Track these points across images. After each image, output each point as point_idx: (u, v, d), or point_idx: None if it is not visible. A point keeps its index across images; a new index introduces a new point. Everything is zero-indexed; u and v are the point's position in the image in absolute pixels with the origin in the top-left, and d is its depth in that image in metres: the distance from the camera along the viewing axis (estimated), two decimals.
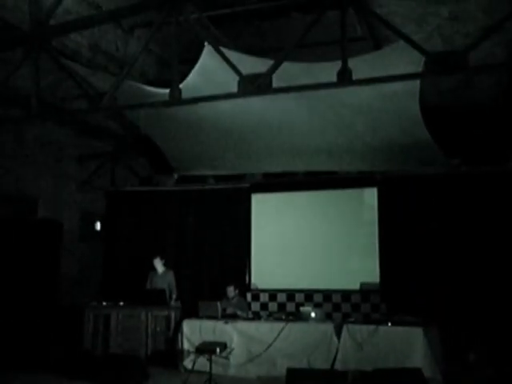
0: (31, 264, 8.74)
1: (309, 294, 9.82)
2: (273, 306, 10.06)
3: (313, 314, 8.02)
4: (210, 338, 7.90)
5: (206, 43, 5.31)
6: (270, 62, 4.58)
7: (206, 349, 6.97)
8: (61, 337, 8.74)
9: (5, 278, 8.56)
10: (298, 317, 8.18)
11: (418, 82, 5.70)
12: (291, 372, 6.63)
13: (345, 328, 7.51)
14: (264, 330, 7.92)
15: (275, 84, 4.52)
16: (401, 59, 4.91)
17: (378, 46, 6.57)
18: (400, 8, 5.92)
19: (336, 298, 9.66)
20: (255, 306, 10.11)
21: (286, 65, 4.57)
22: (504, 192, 8.53)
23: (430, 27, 6.24)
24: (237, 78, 4.57)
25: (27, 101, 5.44)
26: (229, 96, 4.81)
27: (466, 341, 7.74)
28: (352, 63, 4.31)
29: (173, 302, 9.06)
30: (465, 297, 8.42)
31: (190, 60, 5.76)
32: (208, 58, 5.42)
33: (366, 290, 9.50)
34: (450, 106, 8.46)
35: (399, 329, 7.23)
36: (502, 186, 8.57)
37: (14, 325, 8.37)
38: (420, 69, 4.53)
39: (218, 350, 6.89)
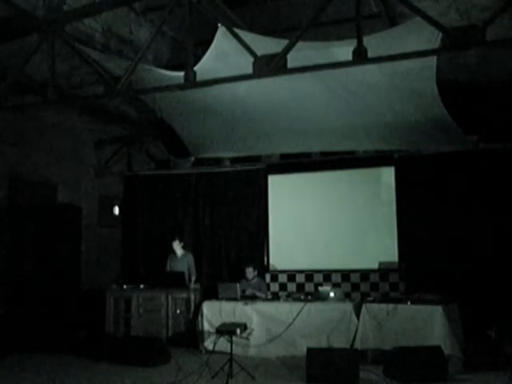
0: (53, 248, 8.86)
1: (327, 274, 9.85)
2: (291, 287, 10.11)
3: (332, 294, 8.05)
4: (229, 319, 7.97)
5: (219, 25, 5.28)
6: (284, 43, 4.54)
7: (226, 330, 7.04)
8: (83, 319, 8.88)
9: (29, 262, 8.72)
10: (317, 297, 8.22)
11: (434, 59, 5.62)
12: (311, 351, 6.68)
13: (364, 307, 7.53)
14: (283, 310, 7.97)
15: (290, 64, 4.49)
16: (417, 36, 4.84)
17: (393, 22, 6.48)
18: None
19: (355, 278, 9.68)
20: (274, 287, 10.17)
21: (300, 45, 4.54)
22: None
23: (446, 2, 6.12)
24: (251, 60, 4.55)
25: (43, 87, 5.47)
26: (244, 77, 4.80)
27: (486, 318, 7.72)
28: (367, 41, 4.27)
29: (192, 284, 9.15)
30: (484, 274, 8.39)
31: (204, 42, 5.73)
32: (222, 39, 5.39)
33: (384, 269, 9.51)
34: (467, 82, 8.34)
35: (418, 307, 7.23)
36: None
37: (39, 307, 8.52)
38: (437, 45, 4.46)
39: (238, 330, 6.95)
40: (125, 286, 9.23)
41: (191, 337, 8.49)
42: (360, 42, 4.26)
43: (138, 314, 8.97)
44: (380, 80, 6.20)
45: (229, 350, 6.95)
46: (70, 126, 9.87)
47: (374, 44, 4.48)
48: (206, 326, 8.24)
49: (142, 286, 9.21)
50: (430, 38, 4.62)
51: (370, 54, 4.26)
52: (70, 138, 10.04)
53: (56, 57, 5.39)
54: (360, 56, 4.27)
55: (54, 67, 5.39)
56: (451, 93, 6.75)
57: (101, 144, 10.73)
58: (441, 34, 4.13)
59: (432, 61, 5.66)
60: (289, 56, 4.46)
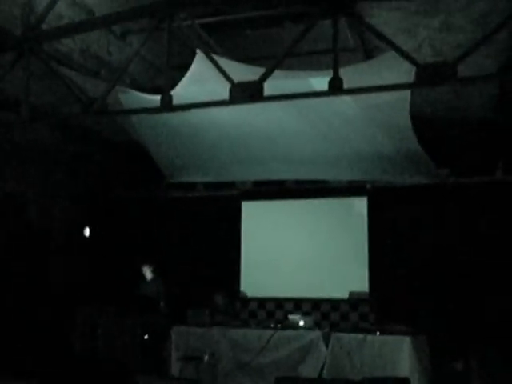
0: (19, 268, 8.68)
1: (298, 303, 9.82)
2: (261, 314, 10.05)
3: (301, 323, 8.02)
4: (198, 345, 7.88)
5: (197, 50, 5.32)
6: (261, 70, 4.59)
7: (193, 356, 6.94)
8: (49, 343, 8.68)
9: None
10: (287, 325, 8.17)
11: (408, 92, 5.74)
12: (279, 381, 6.60)
13: (333, 337, 7.51)
14: (252, 337, 7.91)
15: (266, 92, 4.53)
16: (391, 69, 4.94)
17: (369, 55, 6.61)
18: (391, 19, 5.95)
19: (325, 307, 9.67)
20: (244, 314, 10.09)
21: (277, 73, 4.59)
22: (491, 202, 8.61)
23: (420, 38, 6.27)
24: (228, 86, 4.58)
25: (18, 105, 5.42)
26: (220, 103, 4.81)
27: (454, 350, 7.76)
28: (343, 72, 4.33)
29: (161, 309, 9.03)
30: (453, 306, 8.45)
31: (181, 67, 5.76)
32: (200, 64, 5.42)
33: (354, 299, 9.52)
34: (439, 116, 8.52)
35: (387, 338, 7.24)
36: (490, 196, 8.64)
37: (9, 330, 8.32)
38: (411, 79, 4.55)
39: (205, 357, 6.88)
40: (93, 309, 9.06)
41: (159, 363, 8.36)
42: (336, 73, 4.31)
43: (105, 337, 8.79)
44: (355, 111, 6.29)
45: (196, 377, 6.84)
46: (43, 144, 9.76)
47: (350, 75, 4.55)
48: (174, 352, 8.12)
49: (110, 310, 9.05)
50: (404, 72, 4.71)
51: (345, 86, 4.32)
52: (42, 155, 9.91)
53: (31, 75, 5.36)
54: (336, 87, 4.31)
55: (28, 85, 5.34)
56: (424, 126, 6.87)
57: (74, 163, 10.62)
58: (414, 69, 4.20)
59: (406, 94, 5.77)
60: (265, 84, 4.50)
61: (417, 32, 6.17)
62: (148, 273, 9.47)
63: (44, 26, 5.27)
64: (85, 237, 10.93)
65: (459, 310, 8.40)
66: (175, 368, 7.98)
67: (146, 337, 8.69)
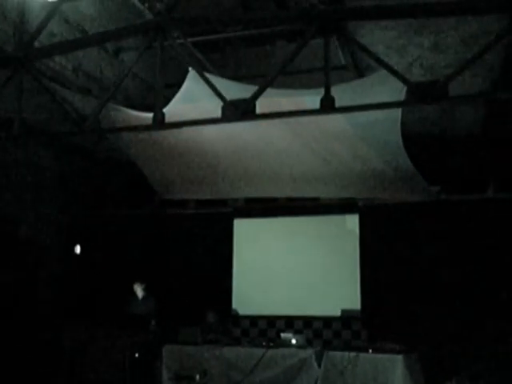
0: (8, 285, 8.60)
1: (289, 321, 9.78)
2: (253, 332, 9.99)
3: (293, 341, 7.96)
4: (189, 364, 7.80)
5: (190, 68, 5.34)
6: (254, 88, 4.61)
7: (185, 375, 6.88)
8: (38, 360, 8.57)
9: None
10: (279, 343, 8.12)
11: (399, 111, 5.78)
12: None
13: (325, 355, 7.47)
14: (244, 356, 7.84)
15: (258, 110, 4.55)
16: (383, 88, 4.97)
17: (360, 74, 6.67)
18: (382, 38, 6.02)
19: (317, 325, 9.62)
20: (236, 332, 10.02)
21: (269, 91, 4.61)
22: (483, 220, 8.65)
23: (411, 57, 6.34)
24: (221, 104, 4.60)
25: (10, 122, 5.41)
26: (212, 121, 4.83)
27: (446, 369, 7.73)
28: (335, 91, 4.36)
29: (152, 328, 8.95)
30: (446, 324, 8.44)
31: (174, 84, 5.78)
32: (192, 82, 5.44)
33: (346, 317, 9.49)
34: (431, 134, 8.59)
35: (380, 356, 7.21)
36: (481, 213, 8.68)
37: None
38: (402, 98, 4.59)
39: (197, 376, 6.81)
40: (83, 328, 8.96)
41: (150, 382, 8.26)
42: (328, 91, 4.34)
43: (94, 357, 8.68)
44: (346, 129, 6.31)
45: None
46: (34, 161, 9.73)
47: (342, 94, 4.58)
48: (165, 371, 8.04)
49: (100, 329, 8.95)
50: (395, 90, 4.75)
51: (337, 104, 4.34)
52: (34, 173, 9.87)
53: (24, 92, 5.36)
54: (327, 105, 4.34)
55: (21, 102, 5.34)
56: (415, 144, 6.91)
57: (66, 181, 10.59)
58: (405, 88, 4.24)
59: (397, 112, 5.81)
60: (257, 102, 4.52)
61: (407, 51, 6.24)
62: (139, 291, 9.40)
63: (36, 44, 5.28)
64: (76, 254, 10.86)
65: (452, 327, 8.39)
66: None
67: (136, 355, 8.60)
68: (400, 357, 7.02)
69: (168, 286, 10.37)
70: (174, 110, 5.48)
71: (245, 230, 10.50)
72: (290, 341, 7.97)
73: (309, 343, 8.80)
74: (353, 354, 7.33)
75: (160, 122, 4.87)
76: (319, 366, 7.43)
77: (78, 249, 10.90)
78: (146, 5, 5.72)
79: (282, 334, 8.47)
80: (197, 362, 7.84)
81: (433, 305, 8.63)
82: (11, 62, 5.23)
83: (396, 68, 4.37)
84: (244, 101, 4.53)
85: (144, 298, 9.39)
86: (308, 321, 9.68)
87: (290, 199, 9.64)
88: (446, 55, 6.22)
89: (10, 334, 8.39)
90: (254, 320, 10.03)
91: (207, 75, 4.93)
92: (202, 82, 4.84)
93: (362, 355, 7.28)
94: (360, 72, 6.65)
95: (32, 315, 9.00)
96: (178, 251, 10.58)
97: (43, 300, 9.63)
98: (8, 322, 8.41)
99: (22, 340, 8.53)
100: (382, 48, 6.10)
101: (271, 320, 9.90)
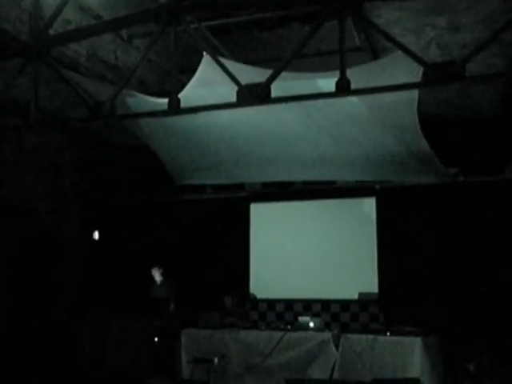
0: (29, 273, 8.72)
1: (307, 304, 9.80)
2: (271, 316, 10.04)
3: (311, 324, 8.00)
4: (208, 347, 7.88)
5: (204, 53, 5.32)
6: (268, 72, 4.59)
7: (204, 359, 6.94)
8: (60, 347, 8.71)
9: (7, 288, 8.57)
10: (297, 326, 8.16)
11: (416, 92, 5.71)
12: (289, 382, 6.61)
13: (343, 338, 7.49)
14: (262, 339, 7.89)
15: (274, 94, 4.53)
16: (399, 69, 4.92)
17: (376, 56, 6.60)
18: (398, 19, 5.94)
19: (334, 308, 9.64)
20: (253, 316, 10.08)
21: (284, 75, 4.59)
22: (501, 201, 8.56)
23: (427, 37, 6.25)
24: (236, 88, 4.58)
25: (26, 110, 5.45)
26: (227, 106, 4.83)
27: (466, 350, 7.72)
28: (350, 73, 4.33)
29: (171, 312, 9.03)
30: (464, 306, 8.41)
31: (189, 69, 5.77)
32: (207, 67, 5.42)
33: (364, 300, 9.48)
34: (447, 116, 8.49)
35: (398, 339, 7.21)
36: (499, 195, 8.59)
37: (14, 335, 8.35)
38: (418, 79, 4.54)
39: (216, 359, 6.87)
40: (102, 313, 9.08)
41: (169, 366, 8.36)
42: (343, 73, 4.31)
43: (115, 342, 8.80)
44: (362, 112, 6.26)
45: (206, 380, 6.84)
46: (52, 149, 9.80)
47: (357, 76, 4.54)
48: (184, 355, 8.12)
49: (119, 314, 9.06)
50: (412, 71, 4.70)
51: (352, 86, 4.31)
52: (51, 160, 9.96)
53: (40, 80, 5.39)
54: (343, 88, 4.32)
55: (37, 90, 5.37)
56: (432, 125, 6.85)
57: (83, 168, 10.67)
58: (422, 69, 4.19)
59: (413, 94, 5.74)
60: (272, 86, 4.50)
61: (424, 32, 6.16)
62: (157, 276, 9.48)
63: (51, 32, 5.30)
64: (94, 240, 10.96)
65: (471, 309, 8.35)
66: (186, 371, 7.98)
67: (156, 340, 8.70)
68: (418, 339, 7.02)
69: (186, 271, 10.44)
70: (189, 94, 5.48)
71: (261, 215, 10.51)
72: (308, 324, 8.01)
73: (326, 326, 8.83)
74: (370, 337, 7.34)
75: (175, 108, 4.88)
76: (337, 349, 7.46)
77: (96, 235, 11.00)
78: None
79: (300, 318, 8.52)
80: (215, 346, 7.91)
81: (451, 288, 8.60)
82: (27, 51, 5.25)
83: (412, 49, 4.33)
84: (259, 85, 4.52)
85: (162, 282, 9.48)
86: (325, 304, 9.69)
87: (306, 183, 9.62)
88: (463, 35, 6.12)
89: (32, 321, 8.52)
90: (271, 304, 10.08)
91: (222, 59, 4.92)
92: (216, 66, 4.83)
93: (380, 338, 7.29)
94: (375, 54, 6.58)
95: (52, 303, 9.12)
96: (195, 236, 10.63)
97: (63, 287, 9.76)
98: (29, 311, 8.54)
99: (43, 327, 8.66)
100: (397, 29, 6.02)
101: (289, 303, 9.94)
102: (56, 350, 8.62)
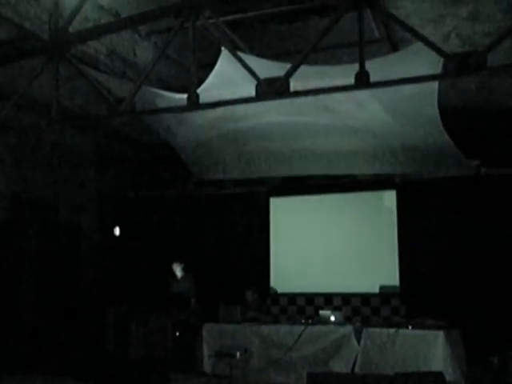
0: (52, 268, 8.82)
1: (328, 298, 9.79)
2: (292, 310, 10.05)
3: (332, 318, 7.99)
4: (229, 342, 7.91)
5: (222, 48, 5.33)
6: (287, 66, 4.58)
7: (225, 353, 6.97)
8: (82, 341, 8.80)
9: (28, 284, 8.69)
10: (318, 320, 8.16)
11: (436, 84, 5.66)
12: (311, 376, 6.60)
13: (365, 331, 7.47)
14: (283, 333, 7.91)
15: (293, 88, 4.52)
16: (418, 61, 4.88)
17: (395, 47, 6.54)
18: (417, 9, 5.88)
19: (355, 302, 9.61)
20: (274, 310, 10.10)
21: (303, 68, 4.57)
22: None
23: (447, 28, 6.19)
24: (254, 82, 4.58)
25: (47, 108, 5.50)
26: (246, 100, 4.82)
27: (489, 344, 7.64)
28: (369, 65, 4.30)
29: (192, 307, 9.08)
30: (487, 299, 8.32)
31: (207, 64, 5.78)
32: (225, 62, 5.43)
33: (385, 293, 9.45)
34: (468, 107, 8.39)
35: (420, 332, 7.17)
36: None
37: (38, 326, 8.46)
38: (438, 70, 4.50)
39: (237, 354, 6.90)
40: (125, 307, 9.16)
41: (191, 360, 8.41)
42: (362, 66, 4.28)
43: (137, 335, 8.88)
44: (382, 104, 6.23)
45: (228, 374, 6.88)
46: (72, 145, 9.90)
47: (376, 68, 4.51)
48: (206, 349, 8.17)
49: (142, 308, 9.13)
50: (432, 63, 4.65)
51: (372, 79, 4.28)
52: (72, 157, 10.05)
53: (60, 77, 5.43)
54: (362, 80, 4.29)
55: (57, 88, 5.42)
56: (453, 117, 6.78)
57: (103, 164, 10.76)
58: (442, 60, 4.15)
59: (434, 86, 5.69)
60: (291, 79, 4.49)
61: (444, 22, 6.09)
62: (178, 271, 9.53)
63: (71, 30, 5.34)
64: (115, 236, 11.05)
65: (494, 302, 8.27)
66: (207, 365, 8.03)
67: (177, 334, 8.75)
68: (441, 333, 6.97)
69: (207, 265, 10.48)
70: (208, 90, 5.49)
71: (281, 209, 10.51)
72: (329, 318, 8.00)
73: (347, 320, 8.82)
74: (392, 330, 7.31)
75: (194, 103, 4.88)
76: (358, 342, 7.44)
77: (117, 231, 11.09)
78: None
79: (321, 312, 8.50)
80: (237, 340, 7.94)
81: (472, 280, 8.52)
82: (47, 49, 5.30)
83: (432, 40, 4.28)
84: (278, 79, 4.50)
85: (183, 277, 9.52)
86: (346, 298, 9.67)
87: (326, 177, 9.59)
88: (484, 25, 6.04)
89: (57, 316, 8.63)
90: (292, 298, 10.08)
91: (240, 54, 4.91)
92: (235, 61, 4.83)
93: (402, 331, 7.26)
94: (394, 45, 6.52)
95: (75, 298, 9.22)
96: (215, 231, 10.67)
97: (85, 283, 9.86)
98: (53, 305, 8.64)
99: (68, 322, 8.76)
100: (416, 20, 5.96)
101: (309, 297, 9.93)
102: (80, 344, 8.71)
